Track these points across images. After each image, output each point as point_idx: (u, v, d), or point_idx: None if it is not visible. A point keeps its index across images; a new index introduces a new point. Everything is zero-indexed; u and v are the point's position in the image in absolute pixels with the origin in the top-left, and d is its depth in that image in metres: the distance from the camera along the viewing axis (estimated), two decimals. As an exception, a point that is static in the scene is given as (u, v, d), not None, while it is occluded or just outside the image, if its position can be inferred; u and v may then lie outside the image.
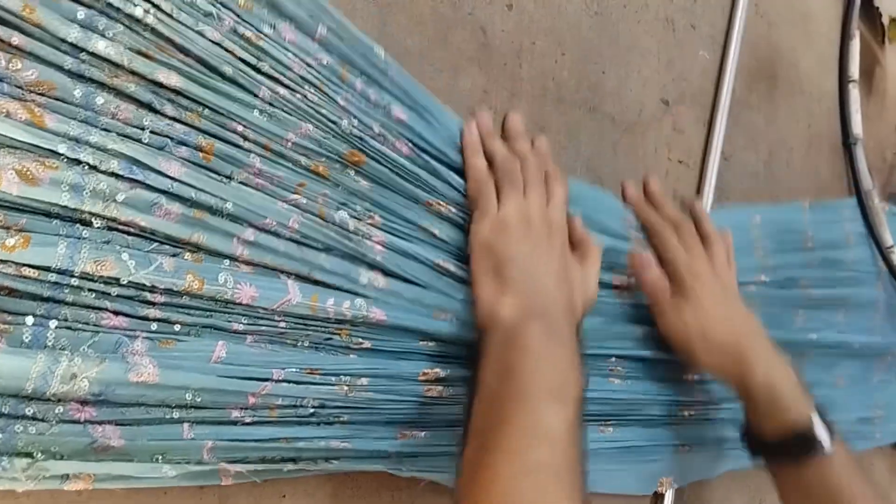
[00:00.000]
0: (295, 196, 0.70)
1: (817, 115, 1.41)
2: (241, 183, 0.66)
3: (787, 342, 1.09)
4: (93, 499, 0.63)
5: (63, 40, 0.58)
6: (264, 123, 0.68)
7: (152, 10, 0.61)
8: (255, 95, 0.67)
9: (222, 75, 0.65)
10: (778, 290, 1.18)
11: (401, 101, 0.80)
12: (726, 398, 1.08)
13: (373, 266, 0.74)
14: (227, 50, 0.66)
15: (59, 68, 0.59)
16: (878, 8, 1.61)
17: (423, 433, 0.78)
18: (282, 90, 0.69)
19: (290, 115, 0.70)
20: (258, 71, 0.68)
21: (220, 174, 0.65)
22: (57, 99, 0.58)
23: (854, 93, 1.47)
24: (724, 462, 1.09)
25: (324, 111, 0.71)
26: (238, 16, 0.67)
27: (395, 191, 0.78)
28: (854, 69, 1.48)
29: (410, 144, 0.78)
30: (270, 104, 0.68)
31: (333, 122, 0.72)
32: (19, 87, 0.57)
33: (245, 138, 0.67)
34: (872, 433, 1.41)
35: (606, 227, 0.96)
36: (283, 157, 0.69)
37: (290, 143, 0.69)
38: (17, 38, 0.57)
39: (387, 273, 0.75)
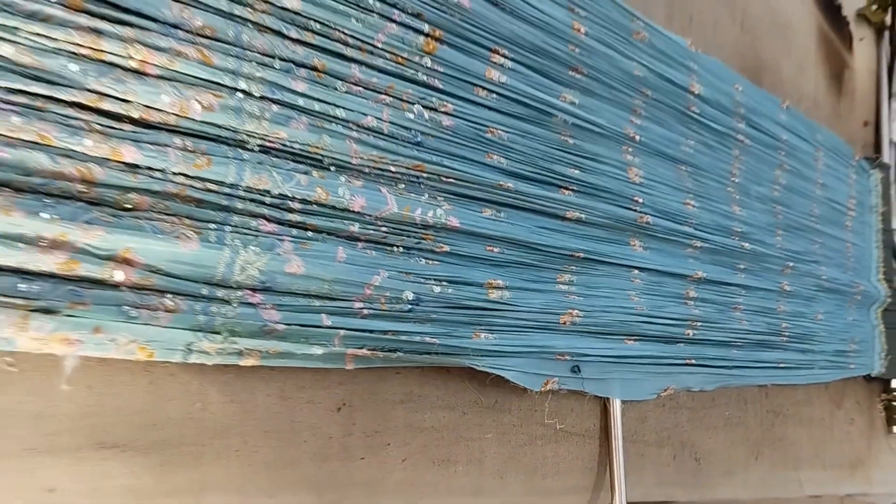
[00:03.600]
0: (385, 96, 0.89)
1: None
2: (345, 92, 0.85)
3: (765, 256, 1.33)
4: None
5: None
6: (359, 28, 0.89)
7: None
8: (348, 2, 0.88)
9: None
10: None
11: None
12: (720, 320, 1.31)
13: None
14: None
15: (218, 11, 0.78)
16: (845, 17, 1.91)
17: (493, 336, 0.96)
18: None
19: (375, 15, 0.91)
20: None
21: (330, 87, 0.84)
22: (217, 40, 0.78)
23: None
24: (719, 378, 1.31)
25: (403, 15, 0.94)
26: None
27: (462, 73, 1.00)
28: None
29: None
30: (363, 9, 0.90)
31: (414, 16, 0.94)
32: (190, 33, 0.76)
33: (346, 44, 0.88)
34: (847, 364, 1.72)
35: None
36: (374, 61, 0.90)
37: (379, 43, 0.90)
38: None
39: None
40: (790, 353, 1.51)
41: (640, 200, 1.21)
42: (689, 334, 1.29)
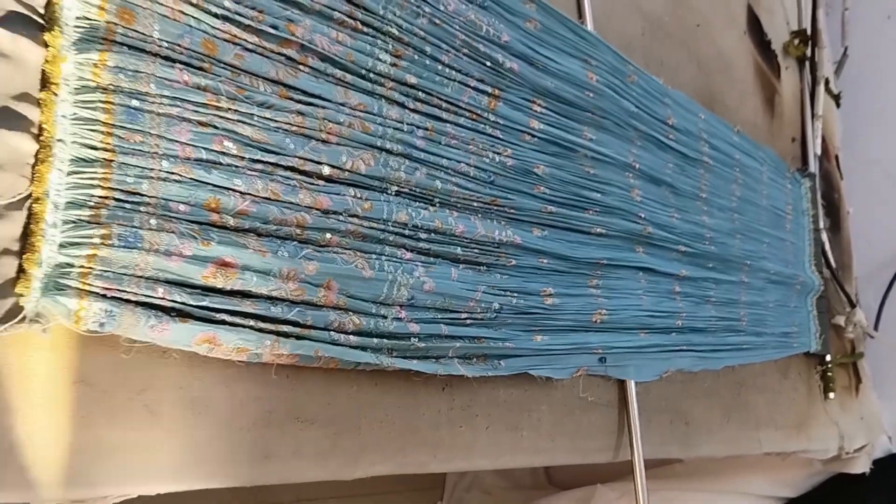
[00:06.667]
0: (471, 147, 1.17)
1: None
2: (446, 145, 1.13)
3: (728, 256, 1.68)
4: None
5: (367, 69, 1.04)
6: (450, 92, 1.17)
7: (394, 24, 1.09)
8: (438, 73, 1.16)
9: (425, 66, 1.14)
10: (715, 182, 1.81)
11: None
12: (699, 311, 1.65)
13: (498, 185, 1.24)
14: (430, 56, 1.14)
15: (366, 91, 1.04)
16: (774, 50, 2.29)
17: (546, 337, 1.26)
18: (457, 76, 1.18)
19: (457, 83, 1.19)
20: (442, 63, 1.17)
21: (437, 143, 1.13)
22: (369, 113, 1.04)
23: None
24: (703, 361, 1.65)
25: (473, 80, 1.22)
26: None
27: (514, 124, 1.28)
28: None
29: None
30: (448, 79, 1.17)
31: (480, 80, 1.22)
32: (353, 108, 1.02)
33: (440, 108, 1.16)
34: (791, 343, 2.10)
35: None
36: (459, 120, 1.19)
37: (462, 104, 1.19)
38: (348, 77, 1.00)
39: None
40: (750, 336, 1.86)
41: (643, 216, 1.52)
42: (678, 324, 1.61)
